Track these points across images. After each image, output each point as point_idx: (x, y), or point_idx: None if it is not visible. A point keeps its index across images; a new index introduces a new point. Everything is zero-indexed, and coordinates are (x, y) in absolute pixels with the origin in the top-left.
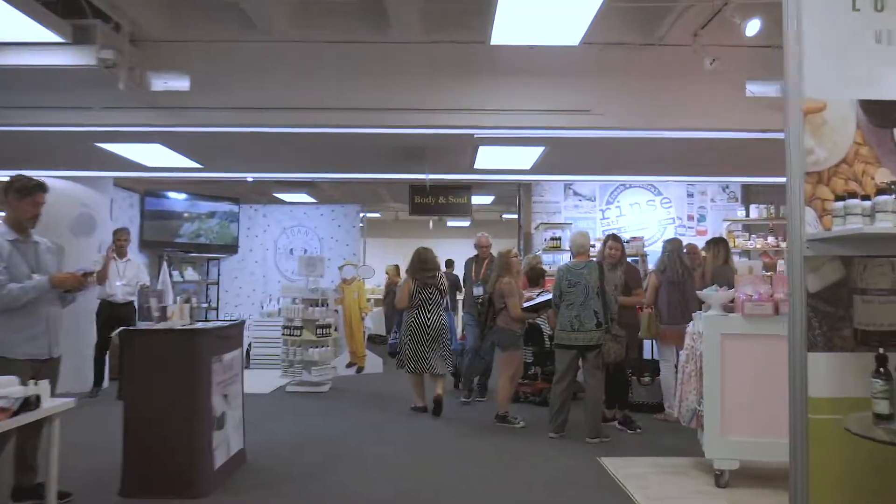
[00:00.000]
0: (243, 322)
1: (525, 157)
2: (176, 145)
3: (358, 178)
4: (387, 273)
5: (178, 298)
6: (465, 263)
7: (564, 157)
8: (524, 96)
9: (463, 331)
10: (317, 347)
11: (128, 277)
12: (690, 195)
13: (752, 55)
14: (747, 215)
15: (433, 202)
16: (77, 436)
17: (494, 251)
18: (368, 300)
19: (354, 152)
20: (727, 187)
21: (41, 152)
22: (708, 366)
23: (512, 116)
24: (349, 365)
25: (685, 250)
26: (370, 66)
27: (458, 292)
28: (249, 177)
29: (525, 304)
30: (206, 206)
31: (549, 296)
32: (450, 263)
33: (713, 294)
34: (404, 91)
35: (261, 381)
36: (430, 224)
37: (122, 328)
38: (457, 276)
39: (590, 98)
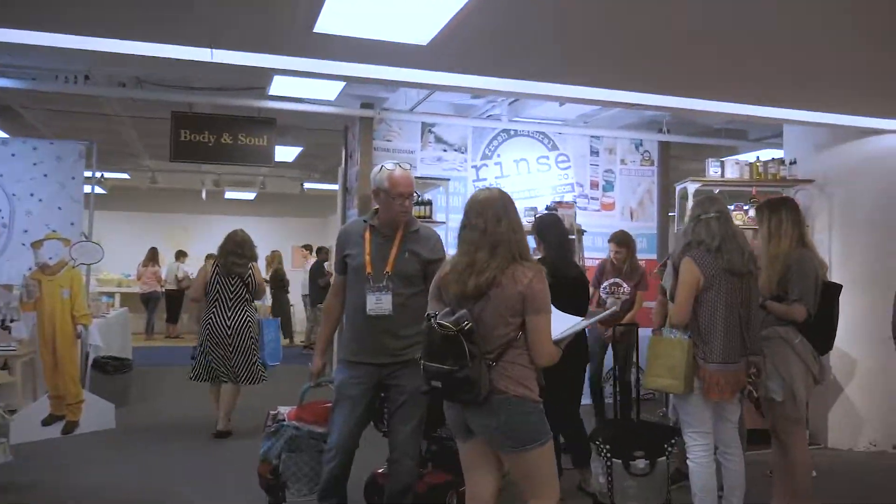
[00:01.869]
0: None
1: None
2: None
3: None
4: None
5: None
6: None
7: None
8: None
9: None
10: None
11: None
12: (595, 152)
13: None
14: (660, 181)
15: (211, 140)
16: None
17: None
18: (105, 299)
19: None
20: (640, 145)
21: None
22: None
23: None
24: (48, 421)
25: None
26: None
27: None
28: None
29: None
30: None
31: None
32: (321, 251)
33: None
34: None
35: None
36: (204, 193)
37: None
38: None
39: None
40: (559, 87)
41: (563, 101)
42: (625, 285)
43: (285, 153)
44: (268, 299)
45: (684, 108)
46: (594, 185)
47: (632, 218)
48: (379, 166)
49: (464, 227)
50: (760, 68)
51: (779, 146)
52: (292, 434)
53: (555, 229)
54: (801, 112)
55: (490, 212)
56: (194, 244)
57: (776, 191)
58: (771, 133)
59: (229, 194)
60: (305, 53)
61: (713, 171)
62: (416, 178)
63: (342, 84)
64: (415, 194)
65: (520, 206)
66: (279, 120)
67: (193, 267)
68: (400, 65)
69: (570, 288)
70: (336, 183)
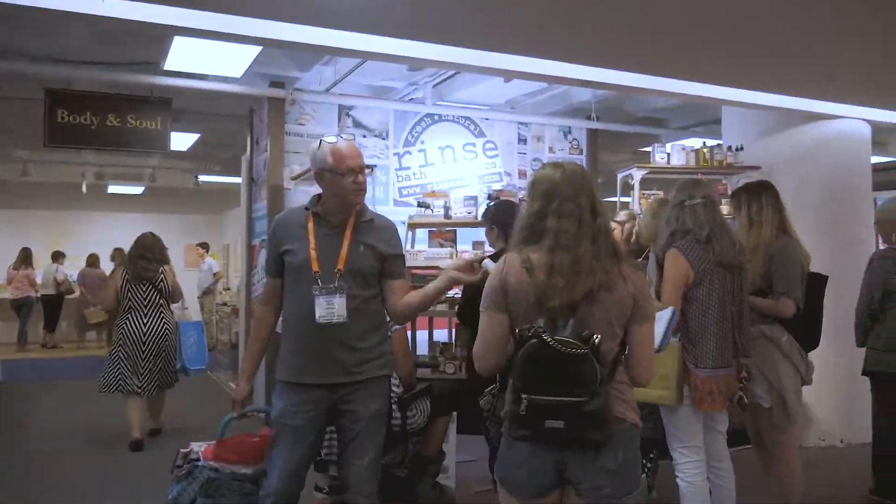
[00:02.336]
0: None
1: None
2: None
3: None
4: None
5: None
6: None
7: None
8: None
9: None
10: None
11: None
12: (523, 140)
13: None
14: (589, 169)
15: (95, 122)
16: None
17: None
18: None
19: None
20: (569, 132)
21: None
22: None
23: None
24: None
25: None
26: None
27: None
28: None
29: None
30: None
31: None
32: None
33: None
34: None
35: None
36: (84, 187)
37: None
38: None
39: None
40: (504, 57)
41: (508, 76)
42: None
43: (179, 141)
44: None
45: (634, 87)
46: (522, 175)
47: None
48: (316, 142)
49: (542, 213)
50: (701, 46)
51: (702, 135)
52: (210, 476)
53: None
54: (746, 92)
55: (584, 195)
56: (73, 244)
57: (722, 178)
58: (694, 121)
59: (113, 188)
60: (215, 6)
61: (659, 157)
62: None
63: (250, 59)
64: (369, 168)
65: (455, 195)
66: (174, 103)
67: (73, 268)
68: (330, 26)
69: None
70: (237, 175)
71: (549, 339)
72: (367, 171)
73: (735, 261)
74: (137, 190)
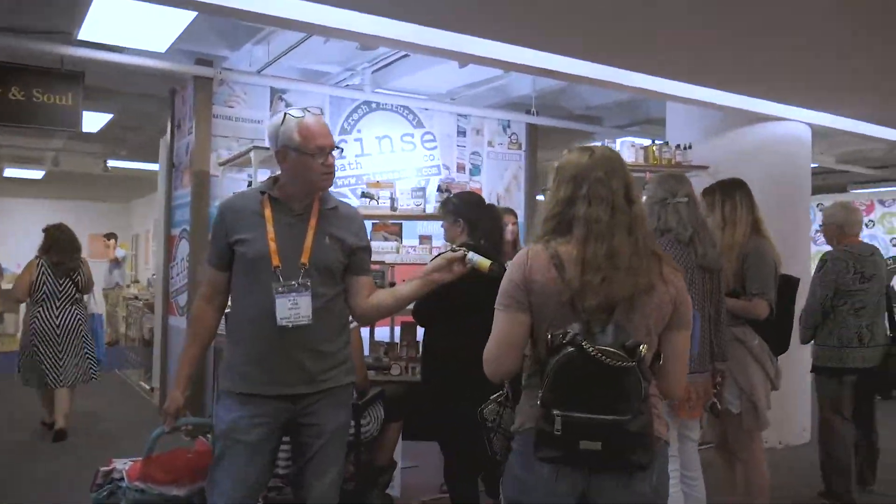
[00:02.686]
0: None
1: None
2: None
3: None
4: None
5: None
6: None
7: None
8: None
9: None
10: None
11: None
12: (462, 132)
13: None
14: (528, 165)
15: None
16: None
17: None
18: None
19: None
20: (508, 126)
21: None
22: None
23: None
24: None
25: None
26: None
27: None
28: None
29: None
30: None
31: None
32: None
33: None
34: None
35: None
36: None
37: None
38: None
39: None
40: (462, 38)
41: (464, 60)
42: None
43: (90, 121)
44: None
45: (588, 77)
46: (461, 168)
47: (498, 204)
48: (280, 115)
49: (571, 200)
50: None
51: (637, 134)
52: (135, 499)
53: (488, 212)
54: (693, 87)
55: (617, 178)
56: None
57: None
58: (629, 121)
59: (10, 172)
60: None
61: None
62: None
63: (177, 32)
64: (336, 150)
65: (402, 187)
66: (87, 79)
67: None
68: None
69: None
70: (149, 161)
71: (590, 349)
72: (336, 151)
73: (716, 264)
74: (38, 174)
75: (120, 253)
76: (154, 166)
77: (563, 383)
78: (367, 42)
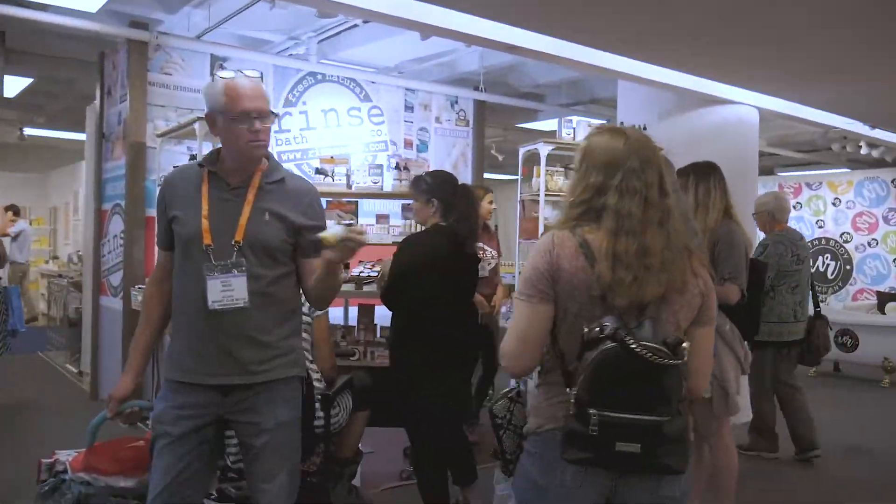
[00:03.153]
0: None
1: None
2: None
3: None
4: None
5: None
6: None
7: None
8: None
9: None
10: None
11: None
12: (409, 108)
13: None
14: (476, 143)
15: None
16: None
17: None
18: None
19: None
20: (456, 102)
21: None
22: None
23: None
24: None
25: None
26: None
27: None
28: None
29: None
30: None
31: None
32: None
33: None
34: None
35: None
36: None
37: None
38: None
39: None
40: (423, 7)
41: (425, 31)
42: (489, 249)
43: (7, 86)
44: None
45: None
46: (408, 145)
47: None
48: (212, 78)
49: (603, 188)
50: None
51: (582, 114)
52: (81, 492)
53: (463, 192)
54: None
55: (652, 169)
56: None
57: None
58: (573, 100)
59: None
60: None
61: (566, 133)
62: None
63: None
64: (272, 115)
65: (357, 163)
66: (6, 40)
67: None
68: None
69: (474, 268)
70: (72, 130)
71: (634, 345)
72: (270, 118)
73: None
74: None
75: (18, 227)
76: (76, 135)
77: (601, 381)
78: (325, 8)
